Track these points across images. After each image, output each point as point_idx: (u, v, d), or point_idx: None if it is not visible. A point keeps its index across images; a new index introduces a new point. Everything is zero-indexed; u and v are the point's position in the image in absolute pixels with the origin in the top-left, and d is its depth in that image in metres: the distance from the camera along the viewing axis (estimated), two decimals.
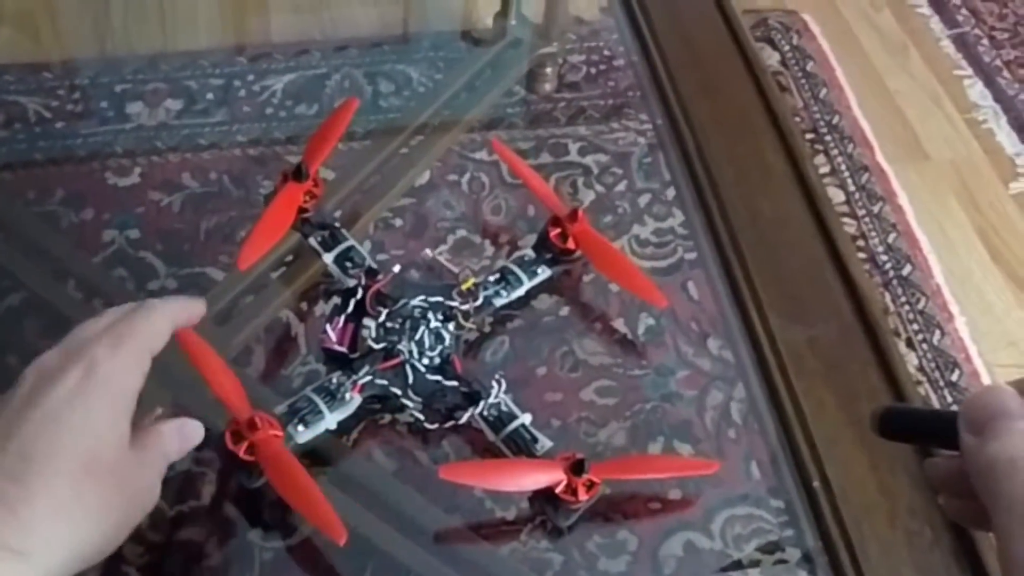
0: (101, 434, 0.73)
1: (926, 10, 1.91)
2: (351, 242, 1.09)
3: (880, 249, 1.50)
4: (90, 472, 0.71)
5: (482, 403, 0.98)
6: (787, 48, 1.78)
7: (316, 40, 1.80)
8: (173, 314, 0.82)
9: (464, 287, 1.08)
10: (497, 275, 1.10)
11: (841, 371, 0.90)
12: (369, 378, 0.95)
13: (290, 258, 1.34)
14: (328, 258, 1.09)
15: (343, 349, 1.01)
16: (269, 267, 1.33)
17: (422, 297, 1.02)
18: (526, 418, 1.00)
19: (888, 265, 1.48)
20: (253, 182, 1.49)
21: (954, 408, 0.73)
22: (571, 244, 1.11)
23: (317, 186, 1.07)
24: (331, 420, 0.95)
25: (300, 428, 0.92)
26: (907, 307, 1.43)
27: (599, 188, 1.49)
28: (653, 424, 1.26)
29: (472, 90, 1.59)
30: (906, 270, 1.48)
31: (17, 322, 1.32)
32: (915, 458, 0.85)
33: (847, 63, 1.79)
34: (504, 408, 1.00)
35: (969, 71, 1.80)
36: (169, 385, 1.11)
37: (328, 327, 1.01)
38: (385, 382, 0.97)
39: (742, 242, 0.96)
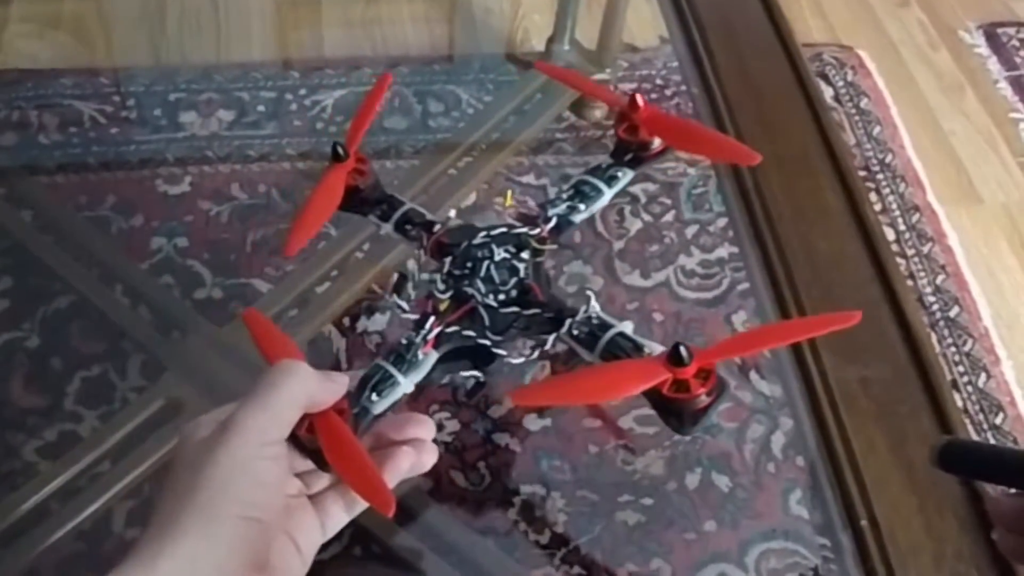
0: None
1: (984, 50, 1.90)
2: (409, 205, 1.01)
3: (928, 290, 1.49)
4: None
5: (568, 322, 0.84)
6: (841, 84, 1.78)
7: (367, 56, 1.81)
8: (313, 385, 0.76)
9: (507, 204, 1.01)
10: (571, 190, 0.95)
11: (892, 412, 0.90)
12: (438, 330, 0.85)
13: (335, 273, 1.34)
14: (387, 228, 1.00)
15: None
16: (313, 282, 1.33)
17: (483, 234, 0.91)
18: (626, 326, 0.84)
19: (935, 306, 1.48)
20: (301, 196, 1.50)
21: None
22: (644, 134, 0.96)
23: (363, 163, 1.00)
24: (407, 384, 0.85)
25: (375, 398, 0.84)
26: (953, 349, 1.43)
27: (647, 217, 1.49)
28: (691, 455, 1.26)
29: (521, 114, 1.59)
30: (953, 312, 1.47)
31: (64, 324, 1.33)
32: (963, 501, 0.84)
33: (901, 101, 1.78)
34: (596, 321, 0.84)
35: None
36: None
37: (402, 305, 0.93)
38: (456, 329, 0.85)
39: (797, 279, 0.95)
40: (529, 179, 1.54)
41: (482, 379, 0.90)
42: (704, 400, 0.74)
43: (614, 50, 1.62)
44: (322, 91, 1.69)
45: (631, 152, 0.96)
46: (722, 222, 1.47)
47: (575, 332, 0.83)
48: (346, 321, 1.36)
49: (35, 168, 1.53)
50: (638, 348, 0.81)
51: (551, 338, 0.84)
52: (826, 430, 0.89)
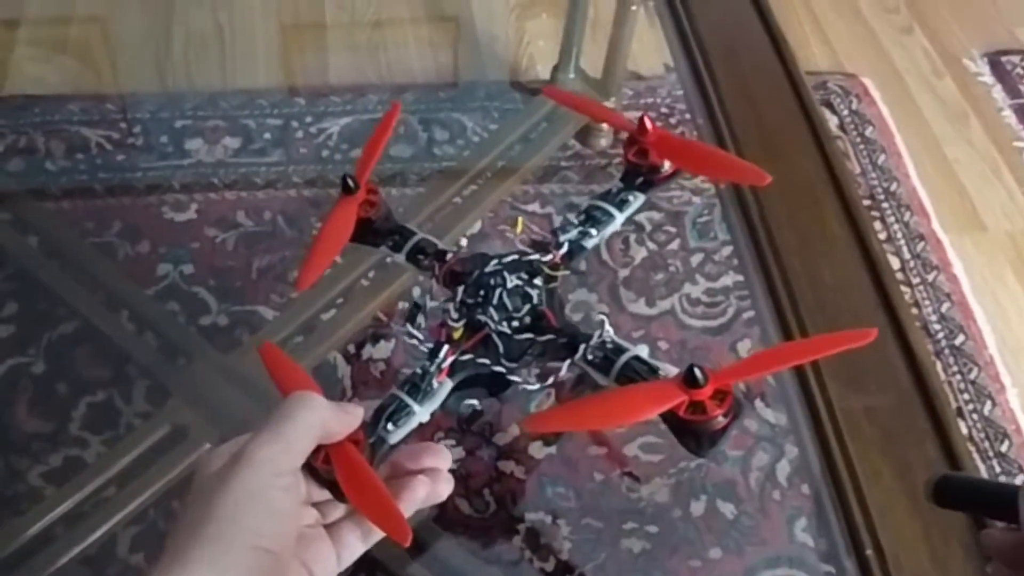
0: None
1: (988, 79, 1.90)
2: (420, 235, 1.00)
3: (933, 318, 1.49)
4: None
5: (582, 347, 0.84)
6: (846, 112, 1.79)
7: (372, 83, 1.81)
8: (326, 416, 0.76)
9: (518, 231, 0.99)
10: (582, 216, 0.95)
11: (898, 441, 0.90)
12: (452, 358, 0.85)
13: (340, 301, 1.35)
14: (400, 258, 1.00)
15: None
16: (319, 309, 1.33)
17: (495, 262, 0.91)
18: (641, 349, 0.84)
19: (941, 334, 1.48)
20: (307, 223, 1.51)
21: (1013, 482, 0.73)
22: (655, 158, 0.96)
23: (374, 194, 0.99)
24: (423, 413, 0.84)
25: (390, 427, 0.84)
26: (958, 376, 1.43)
27: (652, 245, 1.49)
28: (696, 482, 1.26)
29: (526, 142, 1.60)
30: (959, 340, 1.47)
31: (69, 350, 1.34)
32: (969, 529, 0.84)
33: (906, 129, 1.78)
34: (610, 346, 0.84)
35: None
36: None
37: (415, 335, 0.92)
38: (470, 356, 0.86)
39: (802, 307, 0.95)
40: (535, 207, 1.55)
41: (480, 408, 0.89)
42: (721, 421, 0.74)
43: (619, 78, 1.62)
44: (328, 118, 1.70)
45: (641, 176, 0.96)
46: (727, 250, 1.48)
47: (590, 357, 0.83)
48: (351, 348, 1.36)
49: (41, 194, 1.54)
50: (653, 371, 0.81)
51: (566, 364, 0.84)
52: (831, 458, 0.89)
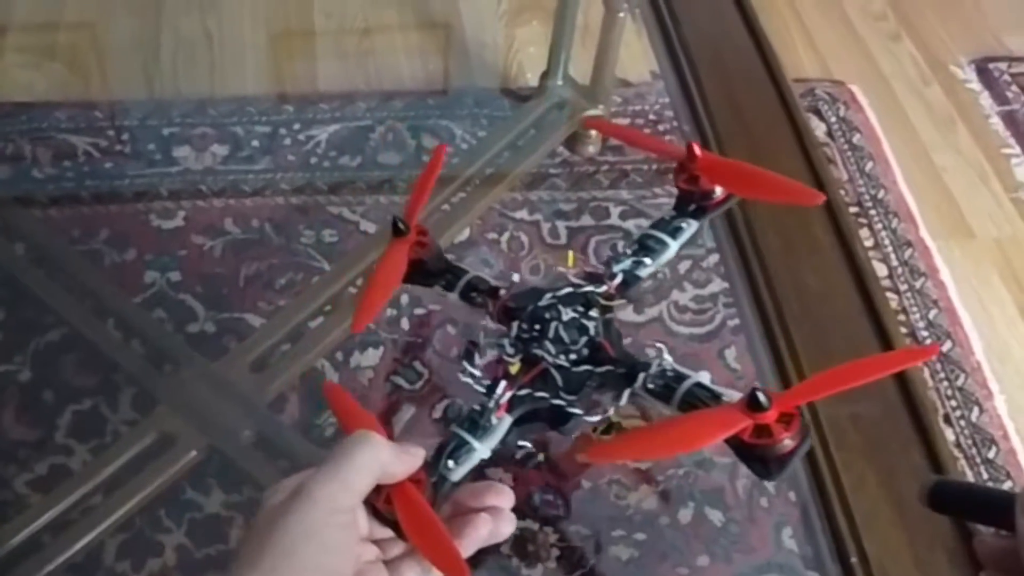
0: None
1: (975, 85, 1.91)
2: (472, 273, 1.00)
3: (921, 324, 1.50)
4: None
5: (641, 376, 0.83)
6: (834, 119, 1.79)
7: (361, 91, 1.81)
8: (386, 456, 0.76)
9: (570, 264, 0.98)
10: (635, 246, 0.95)
11: (882, 448, 0.90)
12: (510, 394, 0.84)
13: (328, 308, 1.35)
14: (453, 297, 0.99)
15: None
16: (306, 317, 1.33)
17: (550, 295, 0.91)
18: (703, 376, 0.83)
19: (928, 341, 1.48)
20: (295, 231, 1.50)
21: (1005, 487, 0.73)
22: (706, 184, 0.96)
23: (424, 235, 0.99)
24: (484, 449, 0.83)
25: (451, 465, 0.83)
26: (946, 383, 1.43)
27: None
28: (685, 489, 1.26)
29: (515, 149, 1.60)
30: (946, 346, 1.47)
31: (56, 357, 1.33)
32: (953, 536, 0.84)
33: (894, 136, 1.79)
34: (671, 373, 0.83)
35: (1017, 149, 1.79)
36: None
37: (473, 373, 0.91)
38: (528, 391, 0.85)
39: (787, 314, 0.95)
40: (523, 214, 1.55)
41: (533, 449, 0.89)
42: (788, 444, 0.73)
43: (607, 85, 1.62)
44: (316, 126, 1.70)
45: (694, 202, 0.96)
46: (714, 258, 1.48)
47: (650, 386, 0.82)
48: (339, 356, 1.36)
49: (29, 201, 1.53)
50: (716, 397, 0.80)
51: (625, 393, 0.83)
52: (816, 465, 0.89)
